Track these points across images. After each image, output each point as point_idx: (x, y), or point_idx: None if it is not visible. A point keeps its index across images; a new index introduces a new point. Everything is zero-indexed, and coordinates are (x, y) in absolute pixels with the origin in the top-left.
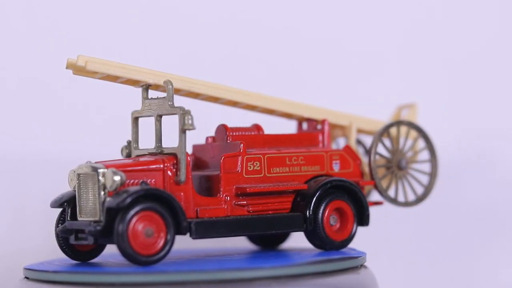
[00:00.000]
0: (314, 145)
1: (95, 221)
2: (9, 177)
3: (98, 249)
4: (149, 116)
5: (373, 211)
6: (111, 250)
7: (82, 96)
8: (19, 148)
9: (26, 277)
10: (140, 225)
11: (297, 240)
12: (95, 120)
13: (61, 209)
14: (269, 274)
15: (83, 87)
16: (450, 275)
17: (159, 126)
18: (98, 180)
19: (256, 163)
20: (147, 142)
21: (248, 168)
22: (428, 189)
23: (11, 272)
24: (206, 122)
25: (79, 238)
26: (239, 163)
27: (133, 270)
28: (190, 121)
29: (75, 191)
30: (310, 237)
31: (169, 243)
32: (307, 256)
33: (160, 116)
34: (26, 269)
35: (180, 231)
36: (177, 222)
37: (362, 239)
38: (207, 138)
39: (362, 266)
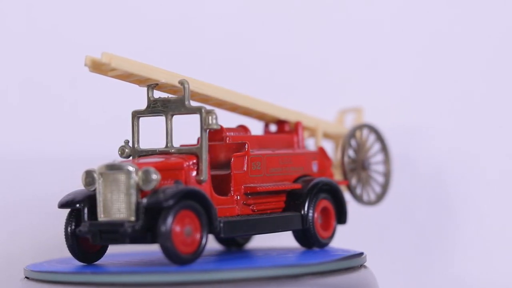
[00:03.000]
0: (290, 146)
1: (129, 221)
2: (9, 177)
3: (103, 250)
4: (158, 115)
5: (374, 211)
6: (111, 251)
7: (79, 97)
8: (19, 149)
9: (26, 277)
10: (181, 224)
11: (281, 240)
12: (93, 120)
13: (69, 209)
14: (269, 274)
15: (81, 88)
16: (450, 274)
17: (171, 125)
18: (131, 179)
19: (258, 163)
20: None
21: (252, 168)
22: (384, 188)
23: (11, 272)
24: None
25: (105, 238)
26: (245, 163)
27: (133, 270)
28: (214, 121)
29: (90, 190)
30: (300, 235)
31: (204, 242)
32: (307, 256)
33: (172, 115)
34: (26, 269)
35: (211, 230)
36: (210, 221)
37: (362, 239)
38: (199, 139)
39: (362, 266)
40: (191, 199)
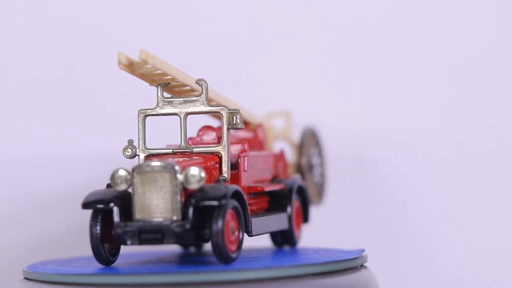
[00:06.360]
0: (256, 147)
1: (175, 221)
2: (8, 177)
3: (117, 252)
4: (171, 115)
5: (374, 211)
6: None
7: (78, 96)
8: (18, 148)
9: (26, 278)
10: (228, 223)
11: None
12: (92, 119)
13: (93, 210)
14: (270, 275)
15: (79, 87)
16: (450, 274)
17: (185, 125)
18: (176, 178)
19: (253, 164)
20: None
21: (250, 168)
22: (322, 188)
23: (10, 273)
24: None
25: (145, 239)
26: (246, 163)
27: (133, 271)
28: (238, 120)
29: (118, 190)
30: (277, 234)
31: (242, 240)
32: (307, 256)
33: (187, 115)
34: (26, 270)
35: (245, 228)
36: (245, 220)
37: (362, 239)
38: (189, 139)
39: (362, 266)
40: (234, 199)
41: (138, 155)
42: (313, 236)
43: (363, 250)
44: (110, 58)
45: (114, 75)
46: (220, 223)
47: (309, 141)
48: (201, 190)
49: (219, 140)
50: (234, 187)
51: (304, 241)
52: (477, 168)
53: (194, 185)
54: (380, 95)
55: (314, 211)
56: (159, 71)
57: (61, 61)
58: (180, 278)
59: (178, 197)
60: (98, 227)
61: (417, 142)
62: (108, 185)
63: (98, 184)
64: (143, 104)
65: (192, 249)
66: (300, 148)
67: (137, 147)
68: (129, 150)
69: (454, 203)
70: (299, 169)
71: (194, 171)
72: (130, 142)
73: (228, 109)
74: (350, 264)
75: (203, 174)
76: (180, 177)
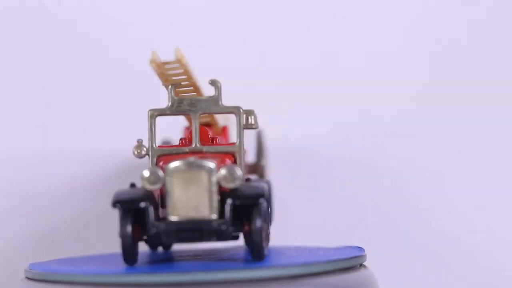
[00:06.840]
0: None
1: (214, 219)
2: (8, 176)
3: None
4: (184, 114)
5: (375, 211)
6: (108, 251)
7: (76, 95)
8: (16, 148)
9: (27, 277)
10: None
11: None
12: (96, 120)
13: (123, 209)
14: (270, 275)
15: (76, 88)
16: (450, 275)
17: (198, 124)
18: (213, 176)
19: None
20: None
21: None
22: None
23: (11, 272)
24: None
25: (182, 237)
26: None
27: (134, 271)
28: (254, 120)
29: (147, 189)
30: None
31: (269, 238)
32: (306, 256)
33: (201, 114)
34: (27, 269)
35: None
36: (269, 218)
37: (362, 239)
38: (181, 139)
39: (361, 265)
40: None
41: (149, 155)
42: (312, 236)
43: (363, 250)
44: (115, 58)
45: (117, 75)
46: (260, 221)
47: (263, 142)
48: (236, 188)
49: (213, 139)
50: (265, 185)
51: (303, 240)
52: (477, 167)
53: (232, 184)
54: (378, 95)
55: (315, 211)
56: (181, 70)
57: (61, 62)
58: (180, 278)
59: (215, 196)
60: (130, 226)
61: (416, 142)
62: (132, 185)
63: (99, 184)
64: (149, 103)
65: (160, 249)
66: (258, 149)
67: (147, 146)
68: (139, 149)
69: (454, 202)
70: (254, 170)
71: (231, 170)
72: (140, 141)
73: (243, 109)
74: (350, 263)
75: (240, 173)
76: (217, 175)
